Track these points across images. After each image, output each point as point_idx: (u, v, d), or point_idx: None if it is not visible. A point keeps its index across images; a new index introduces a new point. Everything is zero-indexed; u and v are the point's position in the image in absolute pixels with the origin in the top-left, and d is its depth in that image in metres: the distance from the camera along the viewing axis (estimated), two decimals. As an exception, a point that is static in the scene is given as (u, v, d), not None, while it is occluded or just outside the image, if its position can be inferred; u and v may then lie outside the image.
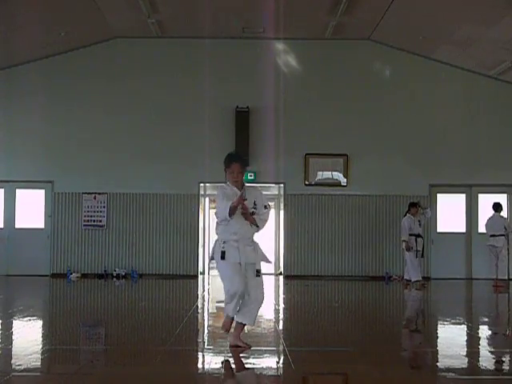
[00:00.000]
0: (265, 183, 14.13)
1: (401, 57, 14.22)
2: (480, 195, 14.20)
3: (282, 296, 11.04)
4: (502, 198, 13.58)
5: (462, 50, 13.30)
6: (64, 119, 14.02)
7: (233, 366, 4.81)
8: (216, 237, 5.38)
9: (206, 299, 10.23)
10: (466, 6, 11.42)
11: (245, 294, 5.17)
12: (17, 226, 14.06)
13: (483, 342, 6.13)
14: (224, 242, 5.23)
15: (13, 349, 5.47)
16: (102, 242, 13.91)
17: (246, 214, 5.17)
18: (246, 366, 4.77)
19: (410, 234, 12.10)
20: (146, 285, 12.48)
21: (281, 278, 14.20)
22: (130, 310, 8.70)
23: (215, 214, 5.32)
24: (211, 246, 5.58)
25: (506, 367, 5.08)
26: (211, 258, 5.40)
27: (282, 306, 9.32)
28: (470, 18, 11.78)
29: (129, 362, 5.14)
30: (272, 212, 15.91)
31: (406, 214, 12.31)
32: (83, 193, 13.87)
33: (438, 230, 14.09)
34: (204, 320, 7.71)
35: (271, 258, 5.37)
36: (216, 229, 5.37)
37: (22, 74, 14.02)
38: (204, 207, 14.81)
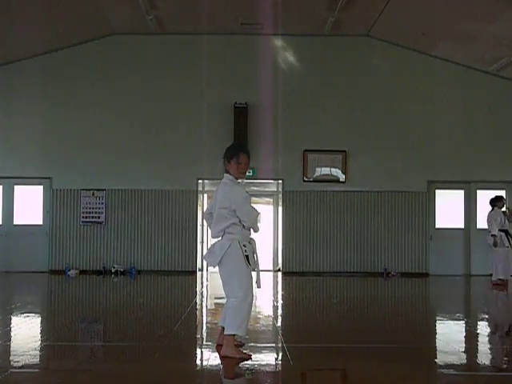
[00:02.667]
0: (263, 179, 14.16)
1: (399, 53, 14.19)
2: (478, 191, 14.21)
3: (280, 292, 11.04)
4: (500, 195, 13.60)
5: (461, 46, 13.29)
6: (62, 115, 13.99)
7: (231, 362, 4.81)
8: (228, 236, 4.87)
9: (205, 295, 10.23)
10: (465, 1, 11.42)
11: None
12: (15, 222, 14.05)
13: (482, 339, 6.13)
14: (244, 246, 4.86)
15: (11, 345, 5.48)
16: (101, 238, 13.90)
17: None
18: (245, 362, 4.76)
19: (501, 230, 11.58)
20: (144, 281, 12.48)
21: (279, 274, 14.21)
22: (128, 306, 8.70)
23: (243, 216, 4.84)
24: (210, 242, 5.46)
25: (504, 364, 5.08)
26: (218, 260, 4.90)
27: (280, 302, 9.32)
28: (469, 14, 11.77)
29: (127, 358, 5.14)
30: (270, 208, 15.97)
31: (492, 209, 11.81)
32: (82, 189, 13.86)
33: (437, 226, 14.09)
34: (202, 316, 7.71)
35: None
36: (228, 227, 4.86)
37: (20, 71, 13.99)
38: (202, 203, 14.79)
